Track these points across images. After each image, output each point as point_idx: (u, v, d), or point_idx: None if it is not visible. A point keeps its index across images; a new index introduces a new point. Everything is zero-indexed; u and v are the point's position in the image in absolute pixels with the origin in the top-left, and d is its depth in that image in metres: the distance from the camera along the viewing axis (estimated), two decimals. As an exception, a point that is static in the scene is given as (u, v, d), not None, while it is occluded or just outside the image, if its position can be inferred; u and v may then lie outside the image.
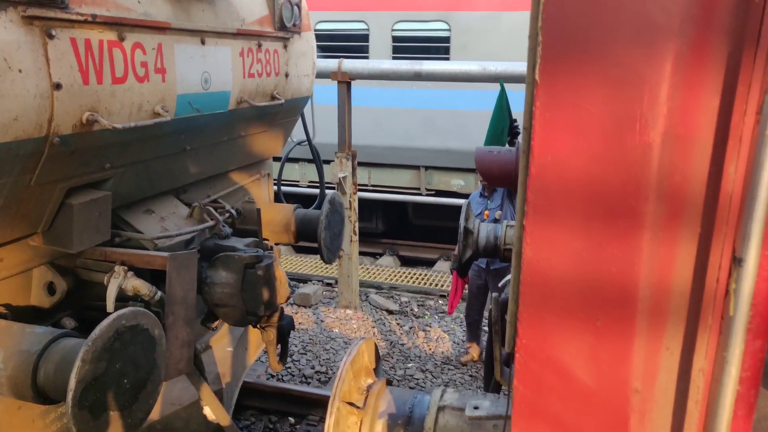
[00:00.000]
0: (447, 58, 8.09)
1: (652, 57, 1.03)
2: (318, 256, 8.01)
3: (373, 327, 6.09)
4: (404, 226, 9.58)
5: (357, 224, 6.32)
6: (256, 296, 2.69)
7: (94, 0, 2.15)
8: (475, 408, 1.78)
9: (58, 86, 1.99)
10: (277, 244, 3.66)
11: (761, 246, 0.96)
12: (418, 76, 6.00)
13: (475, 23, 7.95)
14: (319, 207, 3.88)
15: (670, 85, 1.03)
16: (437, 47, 8.28)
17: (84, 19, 2.08)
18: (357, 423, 1.87)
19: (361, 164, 7.18)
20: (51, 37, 1.97)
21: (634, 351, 1.15)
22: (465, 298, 5.50)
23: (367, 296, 6.78)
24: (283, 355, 3.08)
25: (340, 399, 1.82)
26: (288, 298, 2.92)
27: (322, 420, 4.02)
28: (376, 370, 2.10)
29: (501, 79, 5.05)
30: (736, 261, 0.98)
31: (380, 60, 7.49)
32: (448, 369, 5.31)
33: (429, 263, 8.66)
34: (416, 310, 6.50)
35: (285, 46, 3.48)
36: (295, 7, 3.43)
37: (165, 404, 3.07)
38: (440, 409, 1.88)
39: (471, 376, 5.22)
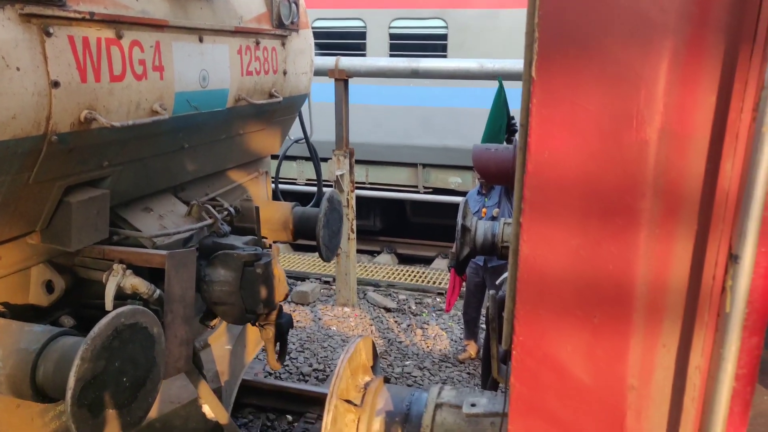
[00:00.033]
0: (444, 56, 8.09)
1: (649, 54, 1.03)
2: (316, 254, 8.03)
3: (371, 325, 6.10)
4: (402, 224, 9.58)
5: (355, 222, 6.32)
6: (254, 294, 2.70)
7: (92, -2, 2.14)
8: (473, 405, 1.79)
9: (56, 84, 1.99)
10: (275, 242, 3.66)
11: (757, 243, 0.96)
12: (415, 74, 6.00)
13: (473, 21, 7.94)
14: (316, 205, 3.88)
15: (666, 82, 1.03)
16: (434, 45, 8.28)
17: (82, 17, 2.08)
18: (354, 421, 1.87)
19: (358, 162, 7.17)
20: (49, 34, 1.96)
21: (631, 348, 1.15)
22: (463, 296, 5.51)
23: (365, 294, 6.78)
24: (282, 353, 3.08)
25: (337, 397, 1.82)
26: (287, 296, 2.92)
27: (320, 418, 4.03)
28: (373, 368, 2.10)
29: (499, 76, 5.05)
30: (733, 258, 0.98)
31: (377, 57, 7.49)
32: (446, 366, 5.32)
33: (427, 261, 8.67)
34: (414, 307, 6.51)
35: (283, 44, 3.48)
36: (293, 5, 3.43)
37: (164, 402, 3.07)
38: (438, 406, 1.88)
39: (469, 373, 5.23)
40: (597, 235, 1.12)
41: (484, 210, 4.88)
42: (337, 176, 5.92)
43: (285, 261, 7.87)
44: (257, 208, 3.14)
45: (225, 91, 2.96)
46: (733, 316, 0.99)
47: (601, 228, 1.12)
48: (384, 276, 7.35)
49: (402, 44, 8.34)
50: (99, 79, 2.17)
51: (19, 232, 2.20)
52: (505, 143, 4.56)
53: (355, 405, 1.88)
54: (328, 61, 5.88)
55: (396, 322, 6.18)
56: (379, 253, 9.02)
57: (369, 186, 8.86)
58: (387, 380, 2.10)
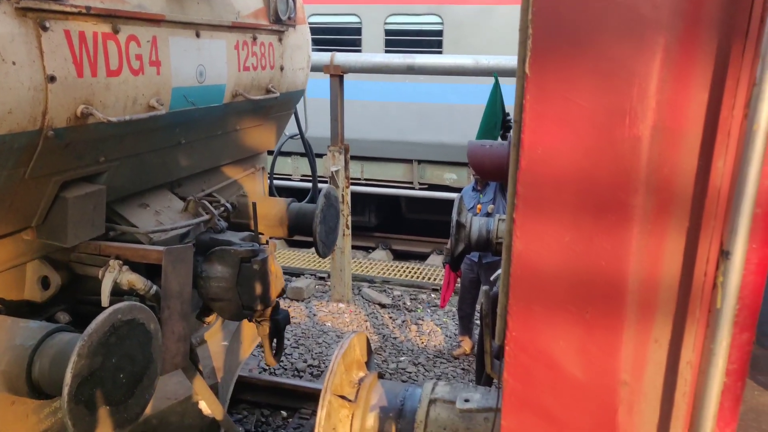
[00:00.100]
0: (440, 52, 8.09)
1: (642, 51, 1.03)
2: (310, 250, 8.04)
3: (366, 321, 6.11)
4: (397, 220, 9.59)
5: (350, 218, 6.32)
6: (251, 290, 2.69)
7: (88, -8, 2.12)
8: (466, 401, 1.79)
9: (52, 79, 1.97)
10: (271, 238, 3.65)
11: (748, 239, 0.97)
12: (410, 70, 6.00)
13: (468, 17, 7.94)
14: (311, 201, 3.87)
15: (659, 79, 1.03)
16: (430, 41, 8.27)
17: (78, 11, 2.06)
18: (348, 416, 1.88)
19: (353, 158, 7.17)
20: (45, 29, 1.95)
21: (623, 343, 1.16)
22: (457, 292, 5.53)
23: (360, 290, 6.79)
24: (279, 350, 3.08)
25: (331, 392, 1.83)
26: (283, 292, 2.92)
27: (315, 413, 4.03)
28: (367, 364, 2.11)
29: (495, 72, 5.06)
30: (724, 254, 0.99)
31: (373, 53, 7.46)
32: (441, 362, 5.34)
33: (422, 257, 8.69)
34: (409, 303, 6.53)
35: (280, 40, 3.46)
36: (290, 0, 3.41)
37: (160, 399, 3.06)
38: (431, 402, 1.89)
39: (463, 369, 5.26)
40: (590, 231, 1.13)
41: (479, 206, 4.89)
42: (332, 172, 5.92)
43: (280, 257, 7.86)
44: (254, 204, 3.13)
45: (222, 87, 2.95)
46: (724, 312, 1.00)
47: (593, 224, 1.12)
48: (379, 272, 7.36)
49: (397, 40, 8.33)
50: (95, 74, 2.16)
51: (14, 228, 2.19)
52: (500, 139, 4.57)
53: (349, 400, 1.88)
54: (324, 57, 5.86)
55: (391, 318, 6.19)
56: (374, 249, 9.02)
57: (364, 182, 8.86)
58: (381, 376, 2.11)
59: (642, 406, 1.20)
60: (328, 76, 5.96)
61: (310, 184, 4.55)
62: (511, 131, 1.33)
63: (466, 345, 5.45)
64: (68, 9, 2.02)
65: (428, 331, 5.91)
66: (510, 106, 1.44)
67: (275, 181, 4.32)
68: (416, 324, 6.04)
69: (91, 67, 2.14)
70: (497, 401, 1.71)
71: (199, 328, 3.27)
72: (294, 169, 9.11)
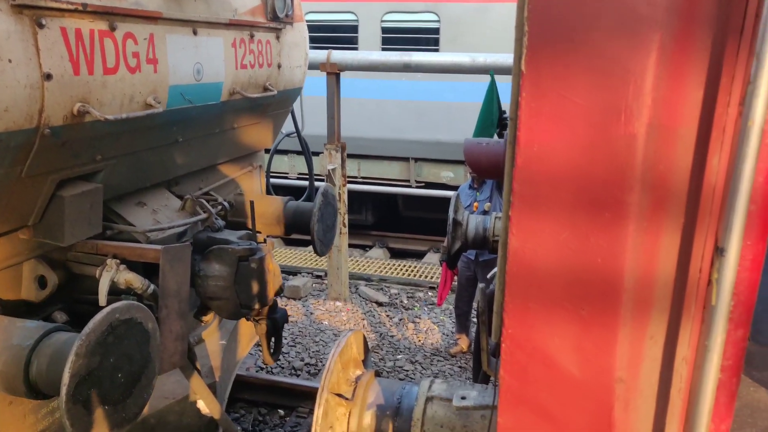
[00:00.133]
0: (437, 50, 8.08)
1: (637, 48, 1.03)
2: (307, 249, 8.03)
3: (363, 319, 6.12)
4: (394, 218, 9.59)
5: (347, 216, 6.32)
6: (249, 289, 2.69)
7: (85, -11, 2.11)
8: (463, 398, 1.80)
9: (48, 76, 1.96)
10: (268, 236, 3.64)
11: (743, 236, 0.98)
12: (407, 68, 6.00)
13: (465, 14, 7.94)
14: (308, 199, 3.86)
15: (654, 77, 1.03)
16: (427, 38, 8.26)
17: (74, 8, 2.05)
18: (346, 414, 1.88)
19: (350, 156, 7.17)
20: (41, 26, 1.93)
21: (619, 340, 1.16)
22: (454, 290, 5.54)
23: (357, 288, 6.79)
24: (277, 348, 3.08)
25: (328, 390, 1.83)
26: (281, 290, 2.92)
27: (312, 412, 4.03)
28: (364, 362, 2.11)
29: (491, 70, 5.06)
30: (719, 251, 0.99)
31: (369, 51, 7.45)
32: (438, 360, 5.35)
33: (419, 255, 8.70)
34: (406, 301, 6.53)
35: (277, 37, 3.45)
36: (288, -2, 3.40)
37: (158, 398, 3.06)
38: (428, 399, 1.89)
39: (460, 367, 5.27)
40: (585, 229, 1.13)
41: (475, 204, 4.90)
42: (329, 170, 5.91)
43: (276, 255, 7.85)
44: (252, 203, 3.12)
45: (219, 85, 2.94)
46: (719, 309, 1.01)
47: (589, 221, 1.12)
48: (376, 270, 7.36)
49: (394, 38, 8.32)
50: (92, 72, 2.15)
51: (11, 227, 2.18)
52: (496, 137, 4.58)
53: (346, 399, 1.88)
54: (320, 55, 5.84)
55: (388, 316, 6.20)
56: (371, 247, 9.03)
57: (361, 180, 8.86)
58: (378, 374, 2.11)
59: (638, 402, 1.20)
60: (324, 74, 5.94)
61: (306, 183, 4.54)
62: (507, 129, 1.33)
63: (463, 343, 5.46)
64: (64, 6, 2.01)
65: (425, 329, 5.92)
66: (506, 104, 1.44)
67: (272, 180, 4.31)
68: (413, 322, 6.05)
69: (88, 64, 2.13)
70: (494, 398, 1.71)
71: (197, 327, 3.26)
72: (291, 167, 9.10)
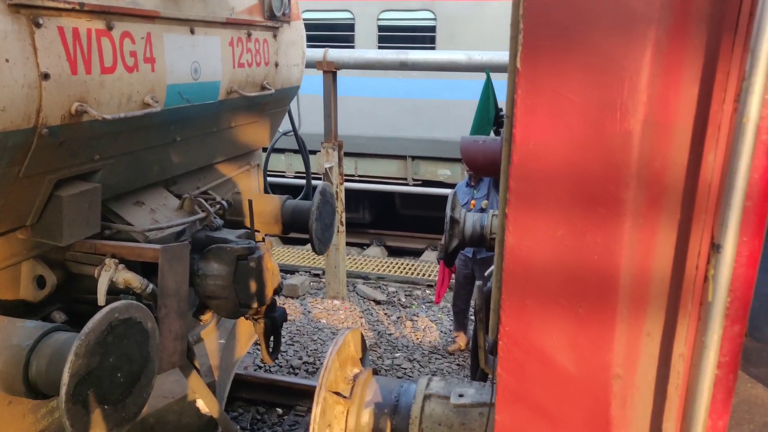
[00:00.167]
0: (433, 48, 8.08)
1: (632, 45, 1.03)
2: (305, 247, 8.03)
3: (361, 317, 6.12)
4: (391, 217, 9.60)
5: (344, 215, 6.32)
6: (248, 288, 2.69)
7: (82, -12, 2.10)
8: (460, 396, 1.79)
9: (46, 76, 1.96)
10: (267, 235, 3.64)
11: (739, 233, 0.98)
12: (403, 66, 6.00)
13: (461, 12, 7.94)
14: (305, 198, 3.86)
15: (649, 73, 1.03)
16: (423, 37, 8.26)
17: (71, 8, 2.04)
18: (344, 412, 1.88)
19: (347, 154, 7.16)
20: (38, 25, 1.93)
21: (616, 337, 1.16)
22: (452, 288, 5.55)
23: (355, 287, 6.80)
24: (276, 347, 3.08)
25: (326, 389, 1.83)
26: (280, 289, 2.92)
27: (310, 410, 4.05)
28: (362, 360, 2.11)
29: (487, 68, 5.07)
30: (715, 247, 0.99)
31: (366, 49, 7.45)
32: (436, 358, 5.37)
33: (416, 253, 8.71)
34: (403, 300, 6.54)
35: (274, 36, 3.45)
36: (285, -3, 3.40)
37: (158, 397, 3.06)
38: (426, 397, 1.90)
39: (458, 365, 5.28)
40: (582, 226, 1.13)
41: (472, 202, 4.91)
42: (326, 169, 5.91)
43: (274, 254, 7.84)
44: (250, 201, 3.12)
45: (217, 84, 2.94)
46: (715, 305, 1.01)
47: (585, 218, 1.12)
48: (373, 268, 7.37)
49: (390, 36, 8.31)
50: (90, 71, 2.14)
51: (9, 227, 2.18)
52: (493, 135, 4.58)
53: (344, 397, 1.88)
54: (317, 53, 5.84)
55: (386, 314, 6.20)
56: (368, 245, 9.03)
57: (358, 178, 8.85)
58: (376, 372, 2.11)
59: (635, 399, 1.20)
60: (321, 72, 5.94)
61: (303, 181, 4.54)
62: (503, 126, 1.33)
63: (461, 341, 5.48)
64: (62, 5, 2.00)
65: (423, 327, 5.93)
66: (503, 101, 1.44)
67: (269, 178, 4.30)
68: (411, 320, 6.06)
69: (86, 64, 2.12)
70: (491, 396, 1.72)
71: (196, 326, 3.26)
72: (287, 165, 9.09)
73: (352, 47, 8.33)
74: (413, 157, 8.64)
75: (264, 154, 4.15)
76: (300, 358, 5.32)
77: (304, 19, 3.97)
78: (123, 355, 2.07)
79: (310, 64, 5.67)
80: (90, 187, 2.35)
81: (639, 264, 1.12)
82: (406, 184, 8.75)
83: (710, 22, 1.01)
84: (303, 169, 4.63)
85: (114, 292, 2.38)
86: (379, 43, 8.36)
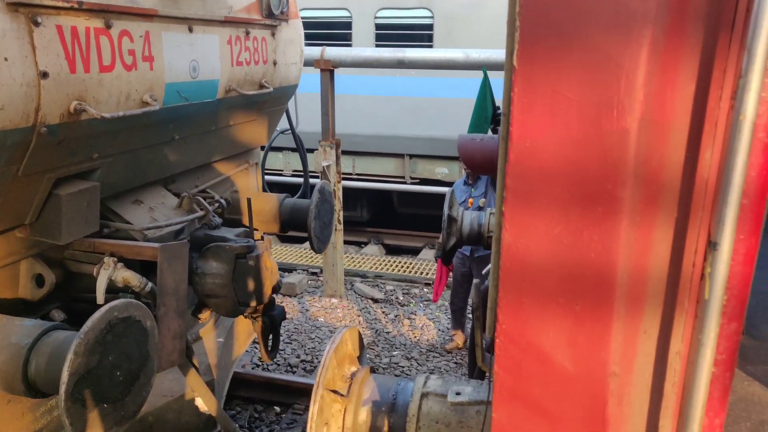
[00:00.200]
0: (430, 46, 8.08)
1: (629, 43, 1.03)
2: (302, 246, 8.03)
3: (359, 315, 6.13)
4: (389, 215, 9.60)
5: (342, 213, 6.32)
6: (247, 286, 2.69)
7: (80, -13, 2.10)
8: (458, 394, 1.79)
9: (44, 75, 1.96)
10: (265, 233, 3.64)
11: (736, 230, 0.98)
12: (401, 64, 6.00)
13: (459, 10, 7.94)
14: (303, 196, 3.86)
15: (646, 71, 1.03)
16: (420, 35, 8.26)
17: (70, 6, 2.04)
18: (341, 410, 1.88)
19: (345, 153, 7.15)
20: (37, 24, 1.93)
21: (613, 335, 1.16)
22: (450, 286, 5.56)
23: (353, 285, 6.80)
24: (275, 346, 3.08)
25: (323, 387, 1.83)
26: (278, 287, 2.92)
27: (308, 409, 4.05)
28: (360, 358, 2.11)
29: (484, 67, 5.07)
30: (712, 245, 0.99)
31: (363, 48, 7.45)
32: (434, 356, 5.38)
33: (414, 251, 8.71)
34: (401, 298, 6.55)
35: (273, 34, 3.45)
36: (283, -5, 3.39)
37: (157, 396, 3.06)
38: (424, 395, 1.90)
39: (456, 363, 5.30)
40: (579, 224, 1.13)
41: (470, 200, 4.91)
42: (323, 167, 5.91)
43: (272, 252, 7.83)
44: (249, 200, 3.12)
45: (215, 82, 2.93)
46: (712, 303, 1.01)
47: (582, 216, 1.12)
48: (371, 267, 7.37)
49: (388, 34, 8.30)
50: (88, 70, 2.14)
51: (7, 226, 2.18)
52: (490, 133, 4.59)
53: (342, 395, 1.88)
54: (314, 52, 5.83)
55: (383, 312, 6.21)
56: (366, 244, 9.03)
57: (356, 177, 8.85)
58: (374, 370, 2.11)
59: (632, 397, 1.20)
60: (318, 70, 5.93)
61: (301, 180, 4.54)
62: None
63: (459, 339, 5.49)
64: (60, 4, 2.00)
65: (421, 325, 5.94)
66: (500, 99, 1.45)
67: (266, 177, 4.30)
68: (409, 318, 6.07)
69: (84, 62, 2.12)
70: (488, 394, 1.71)
71: (195, 325, 3.26)
72: (285, 164, 9.08)
73: (350, 45, 8.32)
74: (411, 156, 8.64)
75: (263, 153, 4.14)
76: (298, 357, 5.32)
77: (302, 18, 3.97)
78: (122, 354, 2.07)
79: (307, 63, 5.67)
80: (89, 185, 2.35)
81: (636, 262, 1.12)
82: (404, 183, 8.75)
83: (707, 20, 1.01)
84: (301, 168, 4.63)
85: (113, 291, 2.38)
86: (376, 41, 8.35)
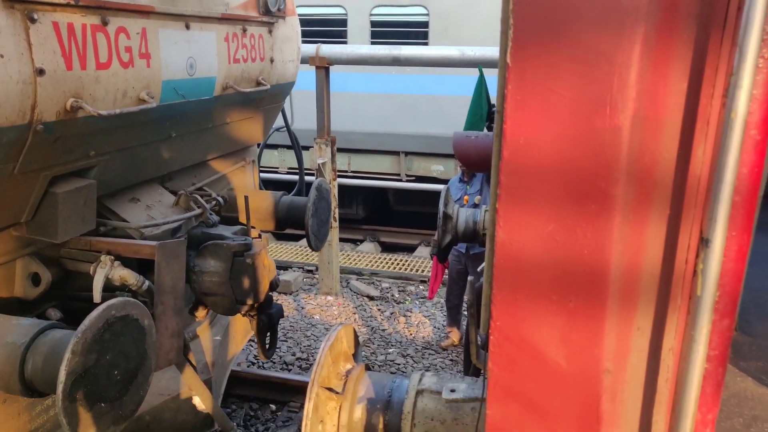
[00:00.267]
0: (426, 43, 8.08)
1: (621, 41, 1.03)
2: (298, 243, 8.02)
3: (354, 313, 6.13)
4: (385, 212, 9.60)
5: (337, 210, 6.32)
6: (244, 284, 2.69)
7: (76, -17, 2.08)
8: (452, 391, 1.80)
9: (41, 72, 1.95)
10: (262, 231, 3.64)
11: (728, 227, 0.98)
12: (396, 61, 5.99)
13: (454, 8, 7.94)
14: (298, 194, 3.86)
15: (638, 69, 1.04)
16: (416, 32, 8.25)
17: (66, 3, 2.03)
18: (336, 408, 1.88)
19: (340, 150, 7.15)
20: (33, 21, 1.91)
21: (606, 332, 1.16)
22: (445, 283, 5.57)
23: (348, 282, 6.80)
24: (272, 344, 3.08)
25: (318, 384, 1.83)
26: (276, 285, 2.92)
27: (303, 407, 4.06)
28: (355, 356, 2.11)
29: (479, 64, 5.08)
30: (704, 242, 1.00)
31: (358, 45, 7.43)
32: (429, 354, 5.39)
33: (410, 249, 8.72)
34: (397, 295, 6.56)
35: (270, 31, 3.44)
36: (280, -8, 3.38)
37: (154, 394, 3.05)
38: (419, 392, 1.90)
39: (452, 360, 5.32)
40: (572, 221, 1.13)
41: (465, 197, 4.92)
42: (319, 165, 5.90)
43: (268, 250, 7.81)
44: (247, 198, 3.12)
45: (212, 79, 2.92)
46: (704, 299, 1.01)
47: (575, 213, 1.12)
48: (367, 264, 7.38)
49: (383, 31, 8.29)
50: (85, 67, 2.13)
51: (3, 224, 2.17)
52: (485, 131, 4.60)
53: (337, 392, 1.89)
54: (309, 49, 5.82)
55: (379, 310, 6.22)
56: (362, 241, 9.04)
57: (351, 174, 8.84)
58: (369, 368, 2.11)
59: (625, 393, 1.21)
60: (313, 67, 5.92)
61: (296, 177, 4.53)
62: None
63: (455, 336, 5.50)
64: (56, 0, 1.99)
65: (416, 322, 5.96)
66: (495, 97, 1.45)
67: (262, 174, 4.29)
68: (404, 316, 6.09)
69: (81, 59, 2.11)
70: (483, 391, 1.72)
71: (192, 323, 3.26)
72: (281, 161, 9.06)
73: (345, 43, 8.31)
74: (406, 153, 8.64)
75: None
76: (293, 354, 5.32)
77: (297, 15, 3.96)
78: (120, 353, 2.06)
79: (302, 60, 5.65)
80: (85, 183, 2.34)
81: (629, 259, 1.12)
82: (400, 180, 8.76)
83: (699, 18, 1.02)
84: (296, 165, 4.62)
85: (110, 289, 2.37)
86: (371, 38, 8.34)
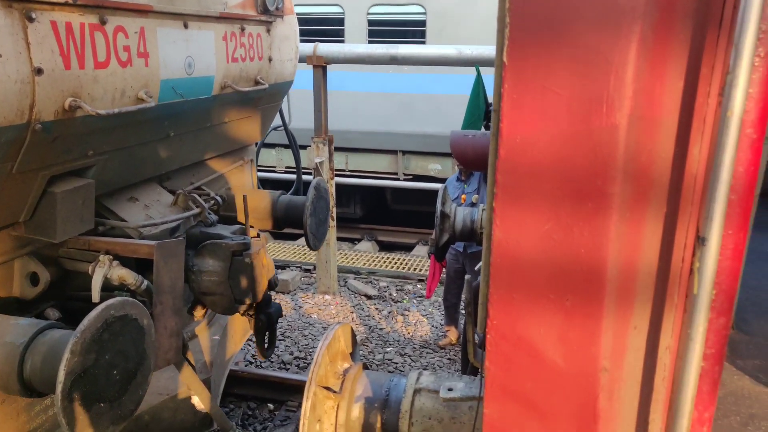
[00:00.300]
0: (423, 42, 8.08)
1: (618, 39, 1.03)
2: (295, 242, 8.01)
3: (352, 312, 6.14)
4: (382, 211, 9.60)
5: (335, 209, 6.32)
6: (243, 284, 2.69)
7: (74, -18, 2.08)
8: (450, 390, 1.80)
9: (39, 71, 1.94)
10: (260, 230, 3.64)
11: (724, 225, 0.98)
12: (393, 60, 6.00)
13: (451, 7, 7.94)
14: (295, 193, 3.86)
15: (635, 67, 1.04)
16: (413, 31, 8.26)
17: (64, 2, 2.03)
18: (334, 407, 1.89)
19: (338, 149, 7.15)
20: (31, 20, 1.91)
21: (603, 330, 1.16)
22: (443, 282, 5.58)
23: (346, 282, 6.81)
24: (271, 343, 3.08)
25: (316, 383, 1.83)
26: (275, 285, 2.92)
27: (301, 405, 4.05)
28: (352, 355, 2.11)
29: (477, 64, 5.09)
30: (700, 240, 1.00)
31: (356, 44, 7.43)
32: (427, 353, 5.40)
33: (407, 248, 8.72)
34: (395, 294, 6.57)
35: (268, 30, 3.43)
36: (278, -9, 3.38)
37: (153, 394, 3.05)
38: (416, 391, 1.90)
39: (449, 359, 5.33)
40: (569, 219, 1.13)
41: (463, 196, 4.93)
42: (316, 164, 5.90)
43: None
44: (245, 197, 3.11)
45: (210, 78, 2.92)
46: (701, 298, 1.01)
47: (572, 212, 1.13)
48: (365, 263, 7.38)
49: (380, 30, 8.29)
50: (83, 66, 2.12)
51: (1, 224, 2.17)
52: (483, 129, 4.60)
53: (334, 392, 1.89)
54: (306, 48, 5.81)
55: (377, 309, 6.23)
56: (359, 240, 9.04)
57: (349, 173, 8.84)
58: (366, 367, 2.10)
59: (622, 392, 1.21)
60: (311, 66, 5.91)
61: (294, 176, 4.53)
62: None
63: (452, 335, 5.51)
64: None
65: (414, 321, 5.97)
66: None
67: (259, 173, 4.29)
68: (402, 315, 6.09)
69: (79, 59, 2.10)
70: (480, 390, 1.71)
71: (190, 323, 3.25)
72: (278, 161, 9.05)
73: (342, 42, 8.30)
74: (404, 152, 8.64)
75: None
76: (291, 354, 5.32)
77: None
78: (119, 353, 2.06)
79: (300, 59, 5.65)
80: (84, 183, 2.34)
81: (626, 257, 1.12)
82: (397, 179, 8.76)
83: (695, 17, 1.02)
84: (293, 164, 4.62)
85: (108, 289, 2.36)
86: (369, 37, 8.33)
